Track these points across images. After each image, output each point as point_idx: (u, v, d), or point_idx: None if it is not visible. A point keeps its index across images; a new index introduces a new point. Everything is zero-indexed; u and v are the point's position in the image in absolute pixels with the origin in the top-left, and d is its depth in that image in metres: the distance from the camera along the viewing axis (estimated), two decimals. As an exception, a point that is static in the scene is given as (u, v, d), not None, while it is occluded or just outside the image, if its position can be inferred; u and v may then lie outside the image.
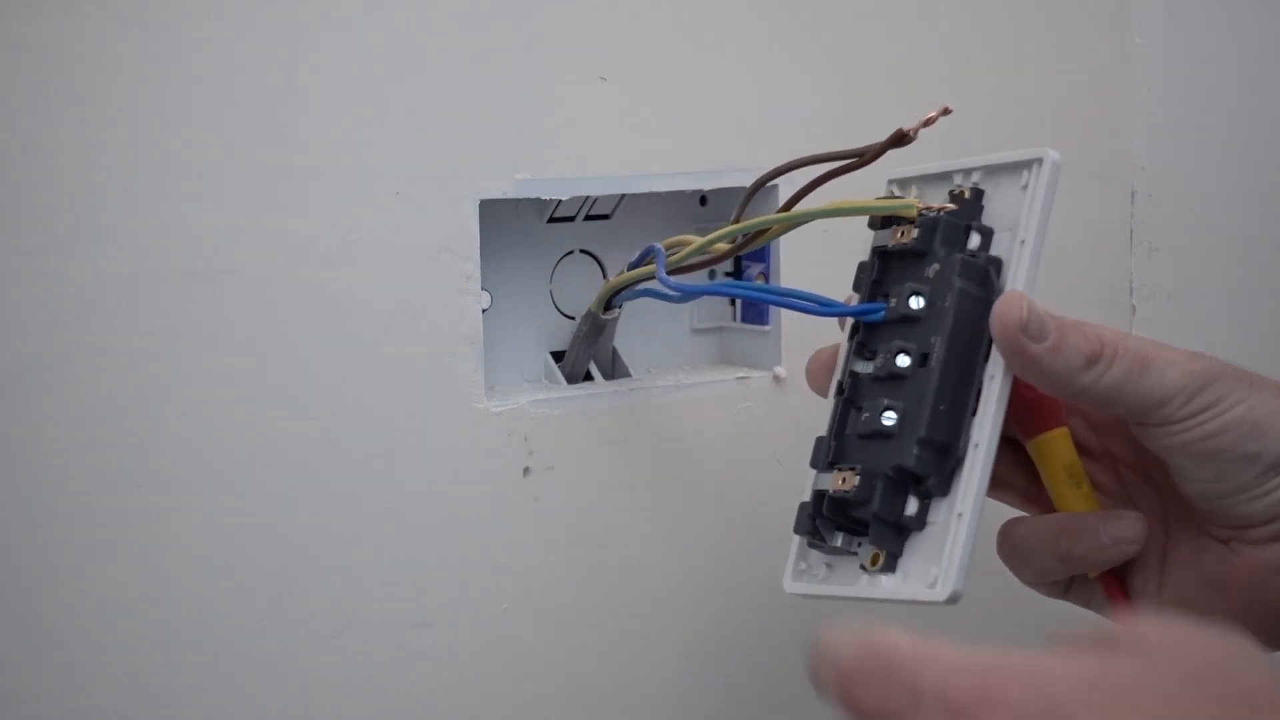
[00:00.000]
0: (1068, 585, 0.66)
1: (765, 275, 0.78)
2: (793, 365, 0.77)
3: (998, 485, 0.67)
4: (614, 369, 0.78)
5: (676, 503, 0.76)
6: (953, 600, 0.57)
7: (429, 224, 0.69)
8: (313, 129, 0.67)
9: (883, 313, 0.62)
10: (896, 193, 0.65)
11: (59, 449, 0.64)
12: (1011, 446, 0.67)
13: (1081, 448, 0.65)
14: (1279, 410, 0.60)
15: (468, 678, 0.72)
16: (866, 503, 0.60)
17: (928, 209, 0.61)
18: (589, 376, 0.77)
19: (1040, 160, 0.61)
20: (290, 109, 0.66)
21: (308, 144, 0.67)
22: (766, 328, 0.78)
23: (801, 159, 0.66)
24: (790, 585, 0.64)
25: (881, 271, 0.64)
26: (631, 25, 0.74)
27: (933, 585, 0.58)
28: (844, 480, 0.60)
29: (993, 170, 0.63)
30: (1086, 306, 0.88)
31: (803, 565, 0.64)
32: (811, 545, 0.63)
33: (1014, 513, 0.67)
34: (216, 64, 0.65)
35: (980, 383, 0.60)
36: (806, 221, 0.66)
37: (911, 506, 0.59)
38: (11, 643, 0.64)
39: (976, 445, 0.59)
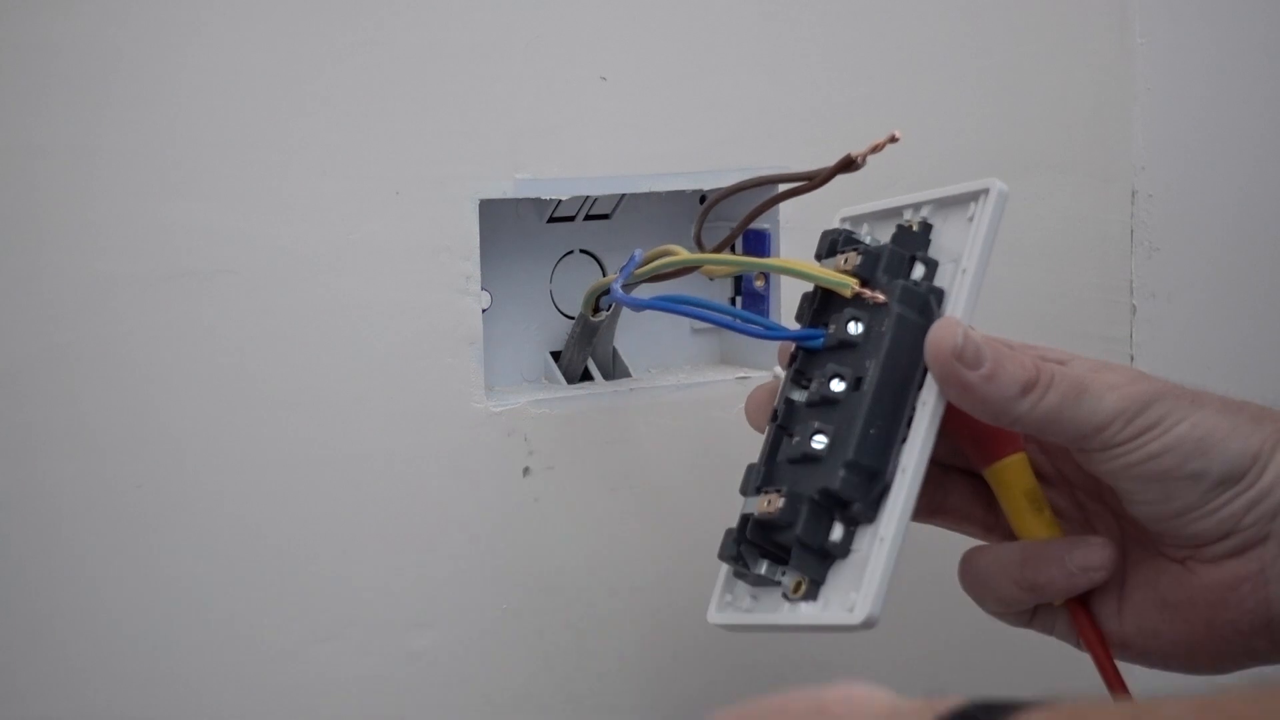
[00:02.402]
0: (1032, 613, 0.65)
1: (765, 277, 0.78)
2: (793, 365, 0.77)
3: (956, 517, 0.67)
4: (614, 369, 0.78)
5: (676, 503, 0.76)
6: (868, 624, 0.56)
7: (429, 224, 0.69)
8: (313, 129, 0.67)
9: (821, 339, 0.62)
10: (849, 229, 0.64)
11: (58, 449, 0.64)
12: (968, 477, 0.66)
13: (1037, 472, 0.64)
14: (1221, 426, 0.59)
15: (468, 678, 0.72)
16: (790, 526, 0.58)
17: (862, 293, 0.60)
18: (587, 375, 0.77)
19: (987, 191, 0.61)
20: (290, 109, 0.66)
21: (308, 144, 0.67)
22: (766, 328, 0.78)
23: (753, 180, 0.67)
24: (713, 616, 0.62)
25: (824, 302, 0.63)
26: (631, 25, 0.74)
27: (850, 609, 0.57)
28: (769, 502, 0.59)
29: (943, 204, 0.63)
30: (1086, 306, 0.88)
31: (728, 598, 0.62)
32: (737, 575, 0.62)
33: (974, 543, 0.66)
34: (215, 63, 0.65)
35: (913, 409, 0.59)
36: (753, 269, 0.74)
37: (836, 532, 0.58)
38: (11, 642, 0.64)
39: (904, 470, 0.58)
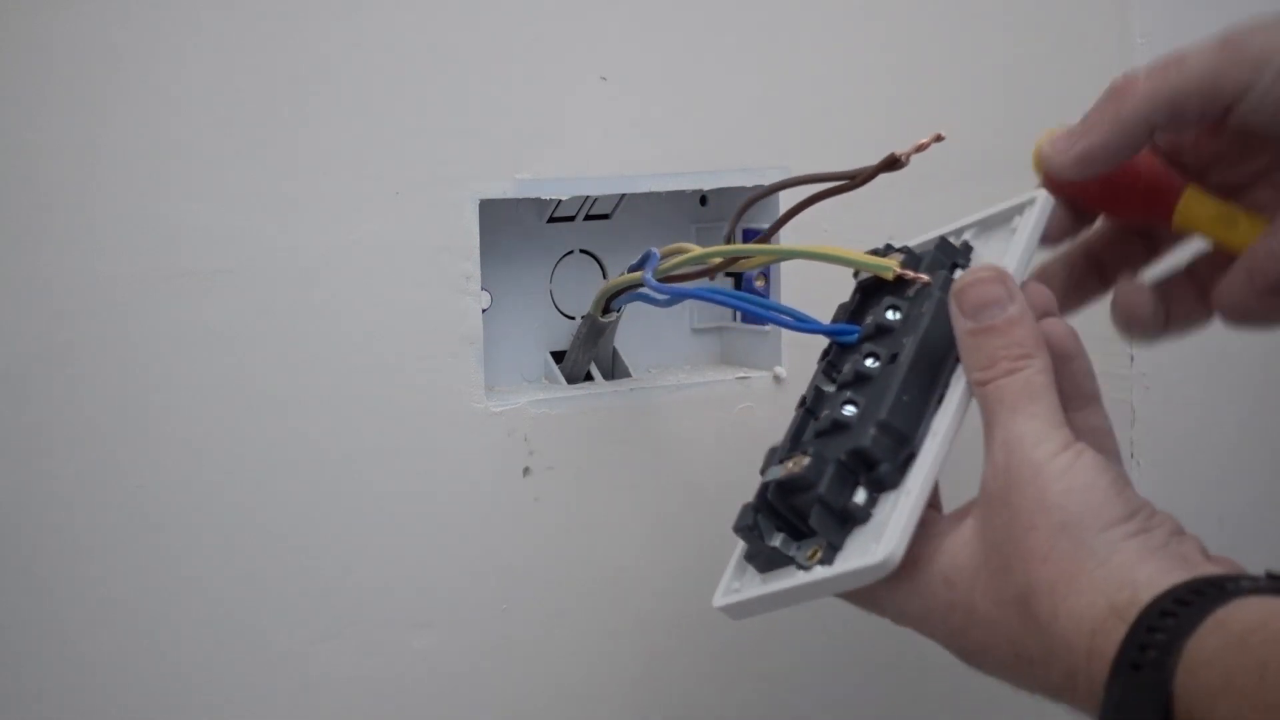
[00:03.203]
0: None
1: (765, 277, 0.78)
2: (793, 365, 0.77)
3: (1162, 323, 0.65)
4: (614, 369, 0.78)
5: (676, 503, 0.76)
6: (888, 565, 0.55)
7: (429, 224, 0.69)
8: (313, 129, 0.67)
9: (857, 334, 0.62)
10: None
11: (60, 449, 0.64)
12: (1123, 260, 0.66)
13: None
14: None
15: (468, 678, 0.72)
16: (814, 485, 0.57)
17: (905, 274, 0.61)
18: (588, 375, 0.77)
19: (1034, 200, 0.62)
20: (290, 109, 0.66)
21: (308, 144, 0.67)
22: (766, 328, 0.78)
23: (795, 178, 0.66)
24: (719, 600, 0.61)
25: (860, 304, 0.63)
26: (631, 25, 0.74)
27: (871, 553, 0.56)
28: (794, 463, 0.59)
29: (986, 225, 0.64)
30: (1087, 306, 0.88)
31: (736, 585, 0.62)
32: (749, 558, 0.61)
33: None
34: (216, 64, 0.65)
35: (946, 387, 0.59)
36: (792, 257, 0.67)
37: (860, 496, 0.57)
38: (12, 642, 0.64)
39: (935, 434, 0.57)
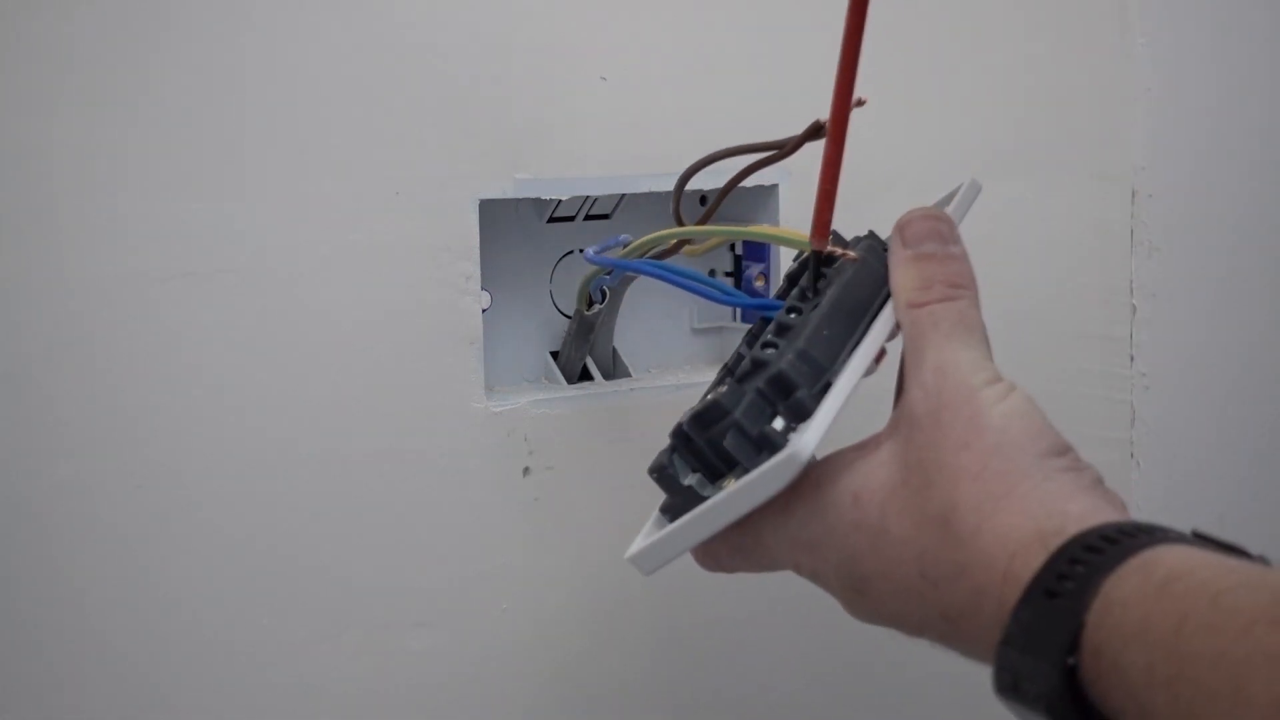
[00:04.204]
0: None
1: (765, 276, 0.78)
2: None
3: None
4: (614, 369, 0.78)
5: (676, 503, 0.76)
6: (798, 458, 0.52)
7: (429, 224, 0.69)
8: (313, 129, 0.67)
9: (782, 307, 0.60)
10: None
11: (59, 449, 0.64)
12: None
13: None
14: None
15: (468, 678, 0.72)
16: (730, 412, 0.56)
17: (834, 251, 0.60)
18: (587, 375, 0.77)
19: (960, 186, 0.62)
20: (290, 109, 0.66)
21: (308, 144, 0.67)
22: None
23: (723, 151, 0.66)
24: (629, 552, 0.58)
25: (798, 277, 0.63)
26: (631, 25, 0.74)
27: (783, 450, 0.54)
28: (713, 394, 0.58)
29: None
30: (1086, 306, 0.88)
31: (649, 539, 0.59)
32: (664, 510, 0.60)
33: None
34: (217, 64, 0.65)
35: (865, 331, 0.57)
36: (729, 238, 0.71)
37: (778, 423, 0.56)
38: (12, 642, 0.64)
39: (852, 368, 0.56)
